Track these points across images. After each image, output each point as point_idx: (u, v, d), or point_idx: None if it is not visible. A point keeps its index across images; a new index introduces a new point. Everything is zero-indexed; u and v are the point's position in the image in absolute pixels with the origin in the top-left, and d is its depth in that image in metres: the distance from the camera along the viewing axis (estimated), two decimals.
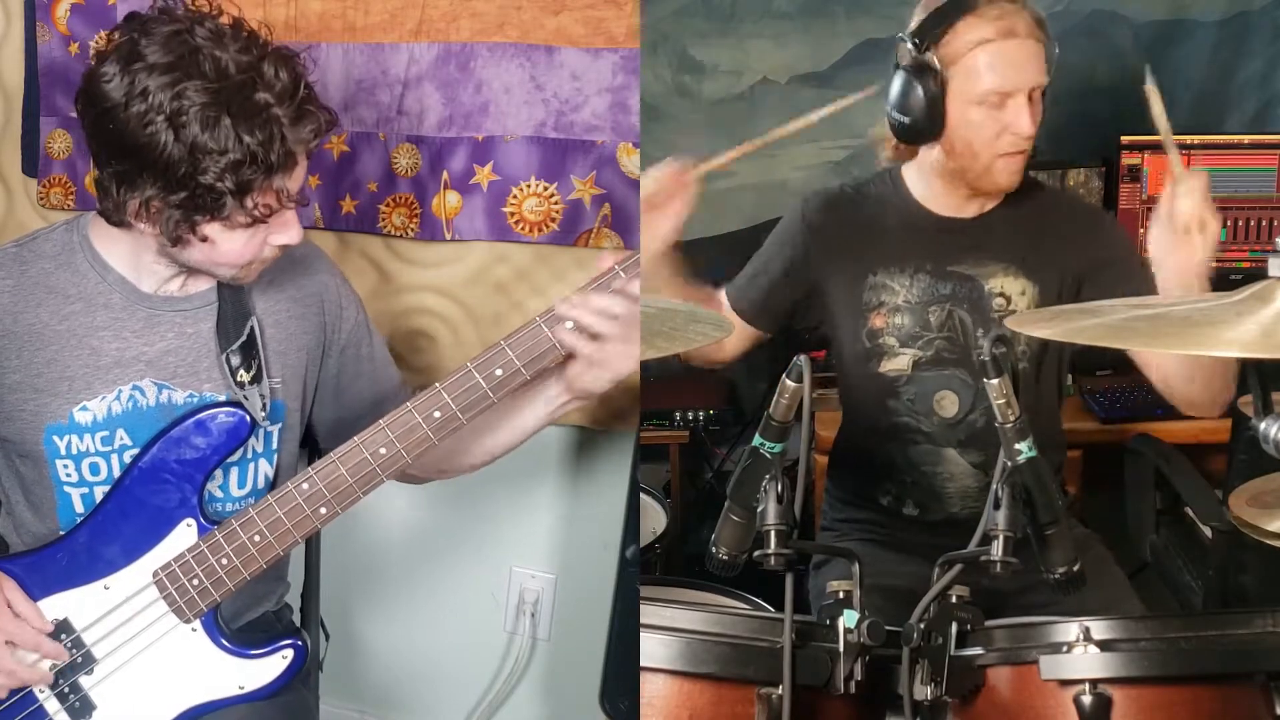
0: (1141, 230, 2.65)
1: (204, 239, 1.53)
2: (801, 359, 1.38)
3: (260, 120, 1.46)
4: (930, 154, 1.85)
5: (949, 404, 1.87)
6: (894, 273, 1.87)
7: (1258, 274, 1.32)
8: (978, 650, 1.37)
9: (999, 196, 1.87)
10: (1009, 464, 1.37)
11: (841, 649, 1.34)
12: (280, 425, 1.73)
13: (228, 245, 1.55)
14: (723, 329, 1.52)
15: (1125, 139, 2.64)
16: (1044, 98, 1.78)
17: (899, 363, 1.88)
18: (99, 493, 1.64)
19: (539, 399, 1.68)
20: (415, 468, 1.65)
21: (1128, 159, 2.65)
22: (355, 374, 1.81)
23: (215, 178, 1.46)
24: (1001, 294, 1.85)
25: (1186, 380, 1.75)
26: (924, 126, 1.78)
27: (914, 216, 1.89)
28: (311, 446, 1.87)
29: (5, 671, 1.59)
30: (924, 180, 1.89)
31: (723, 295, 2.01)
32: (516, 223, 2.13)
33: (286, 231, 1.57)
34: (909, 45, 1.76)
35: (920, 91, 1.75)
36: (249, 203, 1.49)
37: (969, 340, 1.85)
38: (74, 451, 1.63)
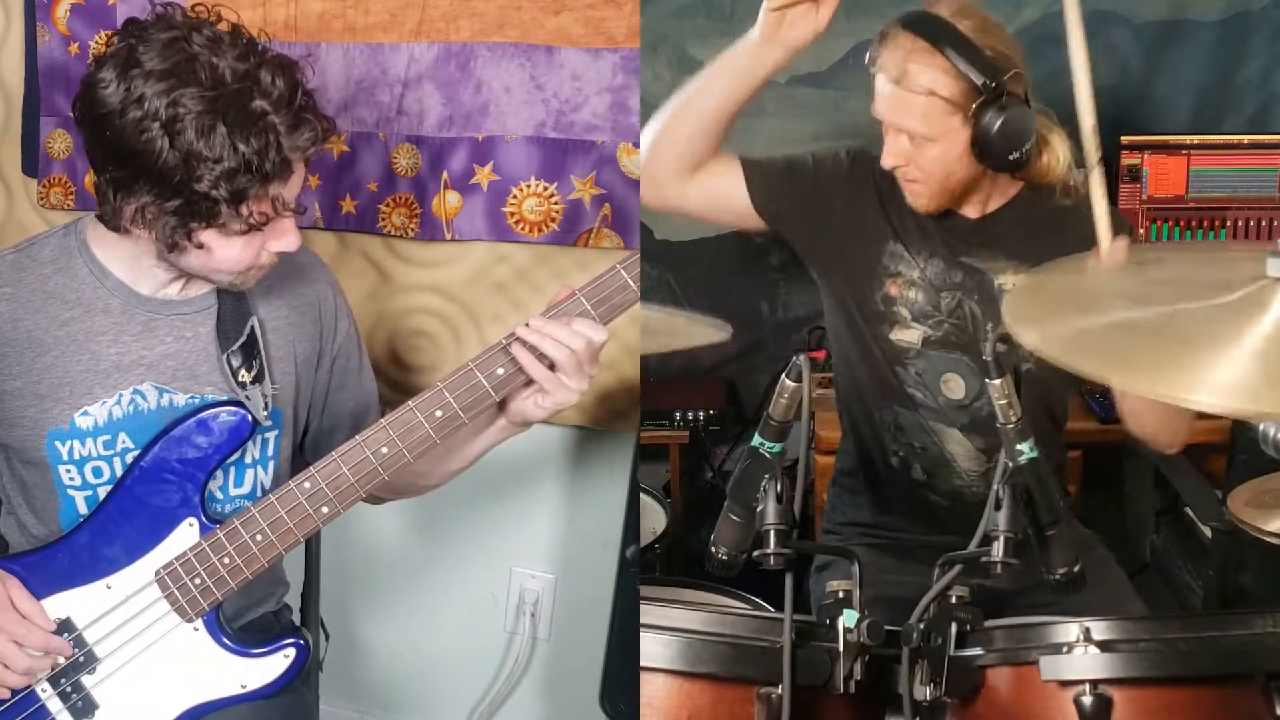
0: (1141, 230, 2.65)
1: (200, 246, 1.53)
2: (801, 359, 1.38)
3: (256, 128, 1.45)
4: None
5: (955, 387, 1.87)
6: (911, 249, 1.88)
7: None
8: (977, 650, 1.37)
9: (1001, 198, 1.88)
10: (1010, 464, 1.37)
11: (841, 649, 1.34)
12: (277, 432, 1.73)
13: (224, 252, 1.54)
14: (721, 330, 1.52)
15: (1125, 139, 2.64)
16: (926, 146, 1.76)
17: (910, 335, 1.88)
18: (103, 494, 1.64)
19: (482, 424, 1.70)
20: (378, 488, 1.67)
21: (1127, 159, 2.64)
22: (340, 386, 1.81)
23: (210, 185, 1.45)
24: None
25: (1152, 414, 1.77)
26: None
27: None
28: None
29: (16, 670, 1.59)
30: None
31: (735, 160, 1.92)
32: (516, 223, 2.13)
33: (284, 239, 1.57)
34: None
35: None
36: (244, 210, 1.49)
37: (978, 331, 1.85)
38: (76, 456, 1.63)
